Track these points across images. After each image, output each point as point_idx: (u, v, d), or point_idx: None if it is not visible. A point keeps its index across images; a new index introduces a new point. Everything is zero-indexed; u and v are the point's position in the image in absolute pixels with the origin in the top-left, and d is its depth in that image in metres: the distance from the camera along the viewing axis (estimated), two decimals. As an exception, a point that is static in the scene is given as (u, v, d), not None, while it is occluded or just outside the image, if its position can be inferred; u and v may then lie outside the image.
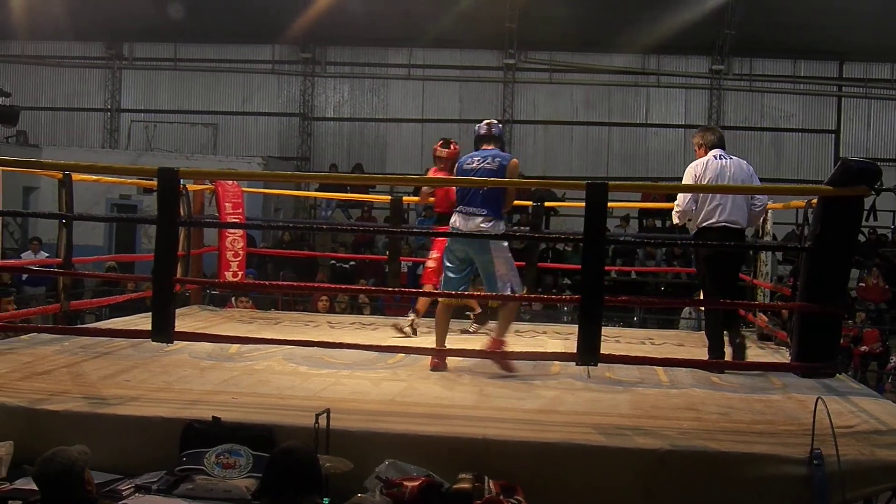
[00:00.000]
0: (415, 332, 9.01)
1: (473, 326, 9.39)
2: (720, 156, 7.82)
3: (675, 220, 8.03)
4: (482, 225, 7.14)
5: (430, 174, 9.39)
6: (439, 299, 7.70)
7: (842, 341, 9.66)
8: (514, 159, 7.40)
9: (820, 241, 5.70)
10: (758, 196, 7.95)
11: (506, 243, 7.42)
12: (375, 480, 4.67)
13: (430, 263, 9.20)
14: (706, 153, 7.91)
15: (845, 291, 5.98)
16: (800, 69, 24.84)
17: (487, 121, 7.74)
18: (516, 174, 7.57)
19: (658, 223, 20.54)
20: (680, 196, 7.89)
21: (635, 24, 22.74)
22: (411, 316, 9.12)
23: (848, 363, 13.55)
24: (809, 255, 5.85)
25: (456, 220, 7.31)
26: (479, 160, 7.31)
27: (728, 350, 7.53)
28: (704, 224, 7.63)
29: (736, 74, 24.90)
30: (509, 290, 7.23)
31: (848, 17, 22.04)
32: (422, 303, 9.16)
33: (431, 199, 9.64)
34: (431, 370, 6.99)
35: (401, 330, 9.01)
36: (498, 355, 7.02)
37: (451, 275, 7.44)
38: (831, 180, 5.67)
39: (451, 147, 9.11)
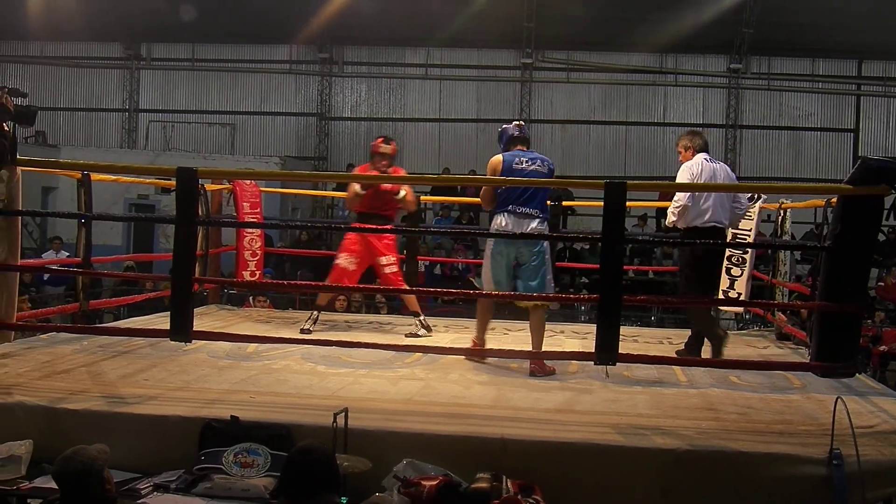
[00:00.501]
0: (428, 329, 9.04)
1: (421, 331, 9.05)
2: (709, 159, 8.18)
3: (673, 220, 8.19)
4: (538, 227, 7.28)
5: (359, 171, 9.69)
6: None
7: (861, 341, 9.62)
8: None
9: (840, 240, 5.66)
10: (740, 198, 8.29)
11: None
12: (393, 480, 4.67)
13: (341, 262, 9.02)
14: (693, 156, 8.24)
15: (865, 291, 5.94)
16: (818, 68, 24.75)
17: (517, 122, 7.83)
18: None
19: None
20: (681, 196, 8.09)
21: (653, 22, 22.69)
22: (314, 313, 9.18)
23: (867, 363, 13.48)
24: (829, 254, 5.81)
25: (505, 221, 7.32)
26: (527, 161, 7.36)
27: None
28: (696, 224, 7.94)
29: (754, 73, 24.82)
30: (552, 285, 7.50)
31: (867, 16, 21.96)
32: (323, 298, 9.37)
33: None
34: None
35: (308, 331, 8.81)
36: (535, 356, 7.14)
37: (502, 277, 7.43)
38: (851, 179, 5.64)
39: (392, 144, 9.08)
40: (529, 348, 7.34)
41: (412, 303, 9.12)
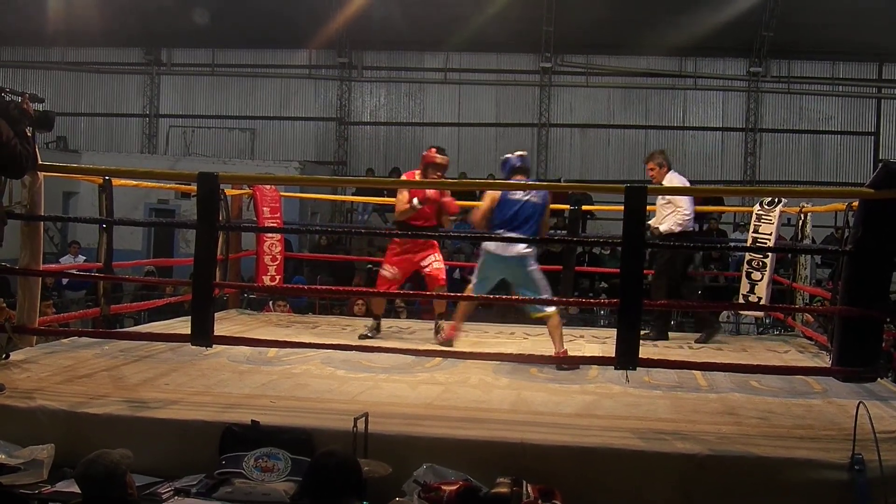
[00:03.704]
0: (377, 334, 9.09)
1: (372, 332, 9.06)
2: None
3: (679, 230, 8.97)
4: (524, 251, 7.57)
5: (407, 177, 9.44)
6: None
7: (883, 345, 9.58)
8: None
9: (861, 244, 5.64)
10: None
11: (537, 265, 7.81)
12: (413, 484, 4.67)
13: (386, 274, 8.89)
14: (668, 172, 9.18)
15: (887, 295, 5.91)
16: (838, 71, 24.65)
17: (519, 153, 8.05)
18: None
19: (695, 227, 20.39)
20: (687, 207, 8.95)
21: (672, 26, 22.64)
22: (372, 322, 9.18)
23: (889, 367, 13.40)
24: (850, 258, 5.79)
25: (493, 245, 7.64)
26: (523, 192, 7.62)
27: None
28: (691, 228, 9.19)
29: (774, 76, 24.73)
30: (549, 294, 7.76)
31: (887, 19, 21.85)
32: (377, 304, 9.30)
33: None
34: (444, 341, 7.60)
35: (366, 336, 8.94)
36: (559, 359, 7.42)
37: (483, 287, 7.78)
38: (872, 183, 5.62)
39: (446, 157, 8.90)
40: (549, 352, 7.44)
41: (438, 305, 9.01)
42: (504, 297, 8.02)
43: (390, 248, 9.00)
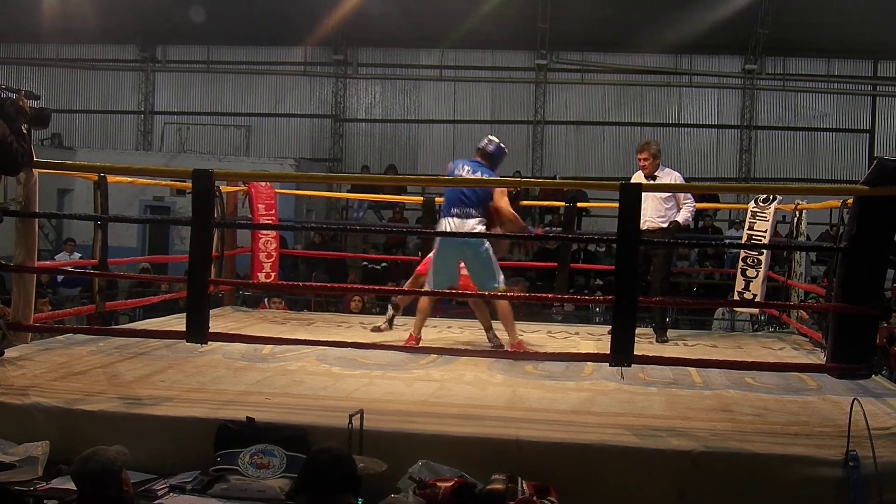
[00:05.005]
0: (391, 327, 9.12)
1: (384, 325, 9.15)
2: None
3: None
4: (478, 226, 7.75)
5: None
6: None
7: (877, 342, 9.61)
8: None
9: (856, 241, 5.65)
10: None
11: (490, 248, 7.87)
12: (409, 481, 4.68)
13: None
14: (659, 164, 9.21)
15: (881, 292, 5.93)
16: (834, 68, 24.63)
17: (489, 137, 8.15)
18: (502, 193, 7.88)
19: (690, 224, 20.42)
20: (692, 197, 9.16)
21: (667, 23, 22.62)
22: (390, 312, 9.21)
23: (883, 364, 13.43)
24: (845, 255, 5.80)
25: (450, 225, 7.83)
26: (468, 170, 7.84)
27: None
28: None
29: (769, 74, 24.72)
30: (501, 281, 7.83)
31: (882, 16, 21.85)
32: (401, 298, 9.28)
33: None
34: (406, 348, 7.42)
35: (379, 329, 9.04)
36: (526, 355, 7.43)
37: (441, 275, 7.86)
38: (867, 180, 5.63)
39: None
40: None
41: (481, 313, 8.65)
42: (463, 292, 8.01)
43: None
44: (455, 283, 7.97)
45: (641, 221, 9.01)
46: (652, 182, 8.94)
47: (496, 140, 8.06)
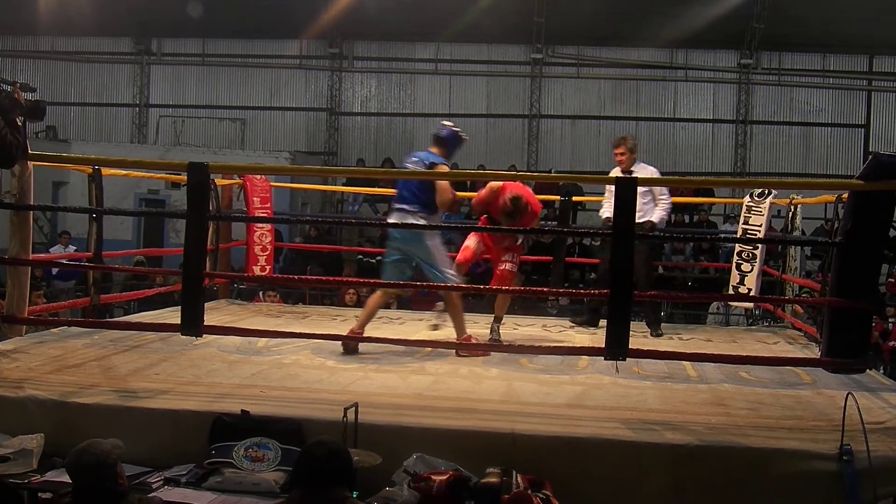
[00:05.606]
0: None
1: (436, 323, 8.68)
2: None
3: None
4: (420, 221, 7.47)
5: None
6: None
7: (871, 337, 9.63)
8: (445, 165, 7.64)
9: (850, 235, 5.65)
10: None
11: (438, 239, 7.74)
12: (403, 474, 4.68)
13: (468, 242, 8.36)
14: (635, 159, 9.09)
15: (876, 287, 5.93)
16: (829, 63, 24.65)
17: (443, 122, 8.02)
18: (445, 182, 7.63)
19: (686, 218, 20.47)
20: (668, 195, 9.05)
21: (663, 17, 22.64)
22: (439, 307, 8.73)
23: (878, 359, 13.45)
24: (840, 250, 5.81)
25: (392, 218, 7.75)
26: (414, 161, 7.70)
27: None
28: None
29: (765, 69, 24.73)
30: (451, 277, 7.58)
31: (878, 11, 21.86)
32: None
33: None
34: (343, 350, 7.22)
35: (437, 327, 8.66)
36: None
37: (394, 276, 7.65)
38: (862, 175, 5.63)
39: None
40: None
41: (498, 305, 8.47)
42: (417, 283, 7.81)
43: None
44: (407, 277, 7.75)
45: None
46: (647, 178, 8.91)
47: (450, 125, 7.89)
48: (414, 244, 7.56)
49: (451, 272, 7.66)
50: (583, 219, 21.07)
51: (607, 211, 9.06)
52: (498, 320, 8.30)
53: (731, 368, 6.88)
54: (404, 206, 7.55)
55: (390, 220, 7.85)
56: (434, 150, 7.71)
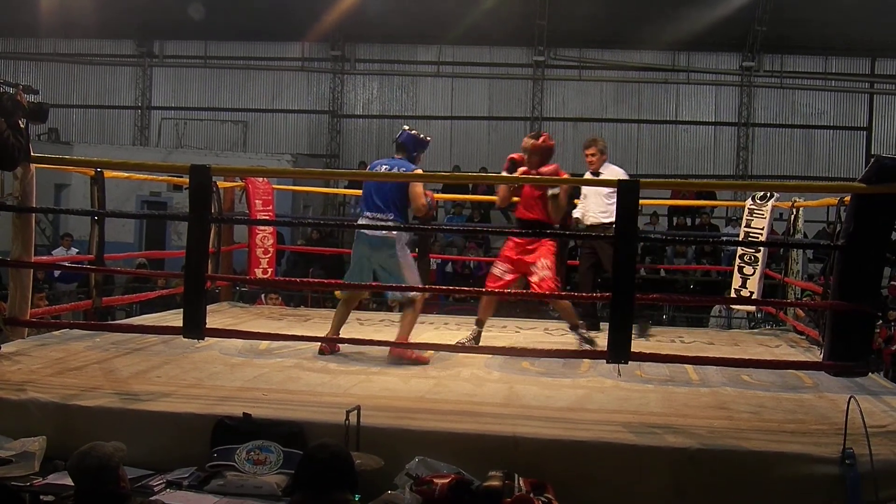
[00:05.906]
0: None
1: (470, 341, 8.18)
2: None
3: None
4: (386, 233, 7.32)
5: (520, 174, 8.44)
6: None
7: (874, 340, 9.63)
8: (418, 170, 7.54)
9: (853, 239, 5.65)
10: None
11: (408, 250, 7.62)
12: (405, 477, 4.68)
13: (495, 271, 8.14)
14: (605, 160, 9.15)
15: (878, 290, 5.93)
16: (831, 66, 24.63)
17: (403, 126, 7.90)
18: (417, 187, 7.48)
19: (688, 221, 20.48)
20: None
21: (665, 20, 22.64)
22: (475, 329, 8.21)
23: (880, 362, 13.44)
24: (842, 253, 5.80)
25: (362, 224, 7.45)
26: (386, 169, 7.50)
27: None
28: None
29: (767, 71, 24.72)
30: (416, 283, 7.48)
31: (880, 13, 21.84)
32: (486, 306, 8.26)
33: (516, 199, 8.51)
34: (318, 353, 7.18)
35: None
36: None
37: (355, 273, 7.50)
38: (865, 178, 5.62)
39: (541, 139, 8.46)
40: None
41: (566, 312, 8.35)
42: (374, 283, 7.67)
43: (506, 244, 8.30)
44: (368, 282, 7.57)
45: (584, 217, 9.16)
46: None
47: (407, 128, 7.74)
48: (384, 255, 7.35)
49: (419, 282, 7.60)
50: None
51: (578, 211, 9.31)
52: (574, 328, 8.14)
53: (733, 372, 6.87)
54: (378, 215, 7.34)
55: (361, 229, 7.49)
56: (398, 155, 7.58)
